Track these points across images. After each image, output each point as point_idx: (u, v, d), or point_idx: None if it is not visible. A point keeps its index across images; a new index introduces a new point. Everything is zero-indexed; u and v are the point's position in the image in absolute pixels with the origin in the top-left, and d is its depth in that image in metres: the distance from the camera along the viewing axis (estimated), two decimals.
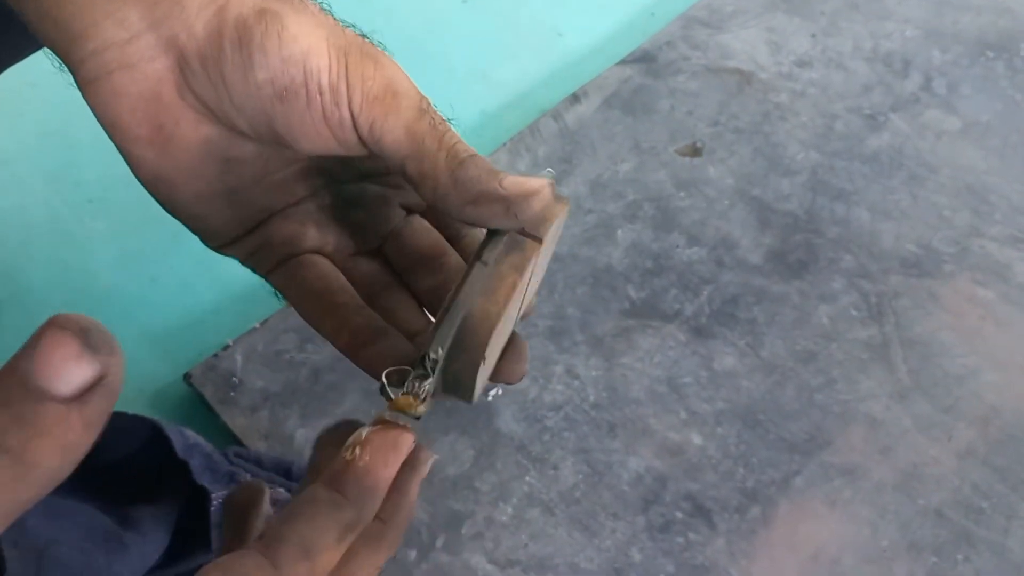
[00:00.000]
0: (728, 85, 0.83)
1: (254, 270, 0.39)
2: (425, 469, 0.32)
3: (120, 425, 0.53)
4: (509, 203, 0.34)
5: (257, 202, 0.38)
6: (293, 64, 0.33)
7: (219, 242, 0.39)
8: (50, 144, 0.80)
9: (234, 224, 0.38)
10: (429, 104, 0.35)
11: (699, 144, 0.79)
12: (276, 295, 0.40)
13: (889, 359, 0.67)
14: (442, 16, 0.91)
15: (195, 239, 0.76)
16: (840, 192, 0.76)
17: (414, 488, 0.31)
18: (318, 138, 0.34)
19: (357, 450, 0.29)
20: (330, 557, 0.28)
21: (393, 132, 0.33)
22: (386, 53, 0.35)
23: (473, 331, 0.33)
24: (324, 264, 0.39)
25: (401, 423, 0.31)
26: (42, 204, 0.76)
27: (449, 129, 0.34)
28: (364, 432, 0.30)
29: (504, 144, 0.78)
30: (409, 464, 0.31)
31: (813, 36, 0.87)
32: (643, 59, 0.85)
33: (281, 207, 0.38)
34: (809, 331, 0.69)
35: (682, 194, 0.76)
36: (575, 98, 0.82)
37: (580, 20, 0.91)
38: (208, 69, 0.33)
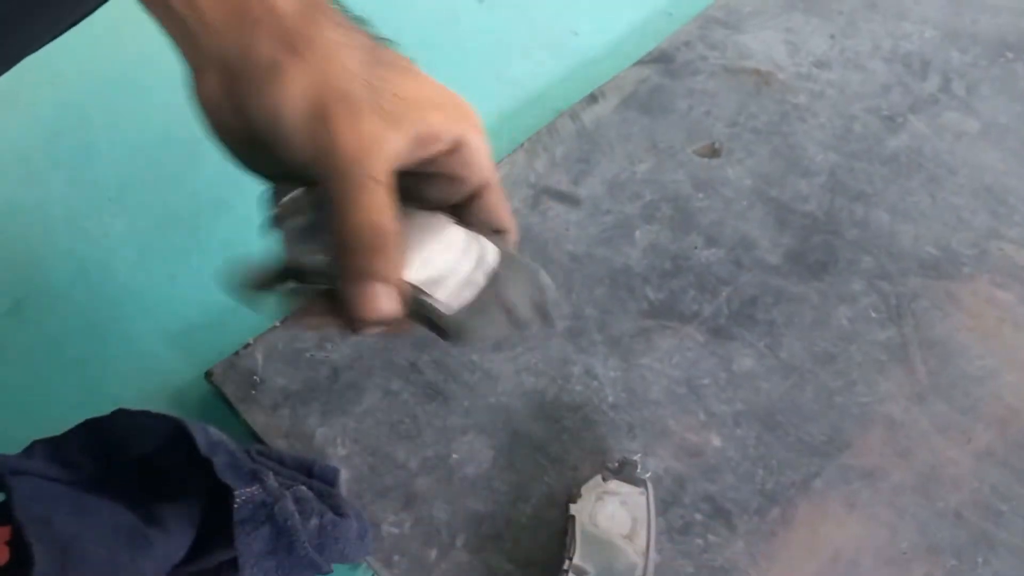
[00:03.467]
0: (746, 85, 0.83)
1: None
2: None
3: (144, 423, 0.53)
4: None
5: None
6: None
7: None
8: (69, 142, 0.80)
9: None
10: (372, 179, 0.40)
11: (717, 145, 0.79)
12: None
13: (908, 361, 0.67)
14: (458, 16, 0.91)
15: (214, 238, 0.77)
16: (859, 193, 0.76)
17: None
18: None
19: None
20: None
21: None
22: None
23: None
24: None
25: None
26: (61, 202, 0.77)
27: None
28: None
29: (522, 145, 0.79)
30: None
31: (831, 37, 0.87)
32: (660, 59, 0.85)
33: None
34: (828, 332, 0.68)
35: (700, 195, 0.76)
36: (592, 98, 0.82)
37: (596, 20, 0.91)
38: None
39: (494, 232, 0.46)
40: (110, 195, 0.77)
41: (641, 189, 0.76)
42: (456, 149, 0.43)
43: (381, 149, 0.39)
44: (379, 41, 0.42)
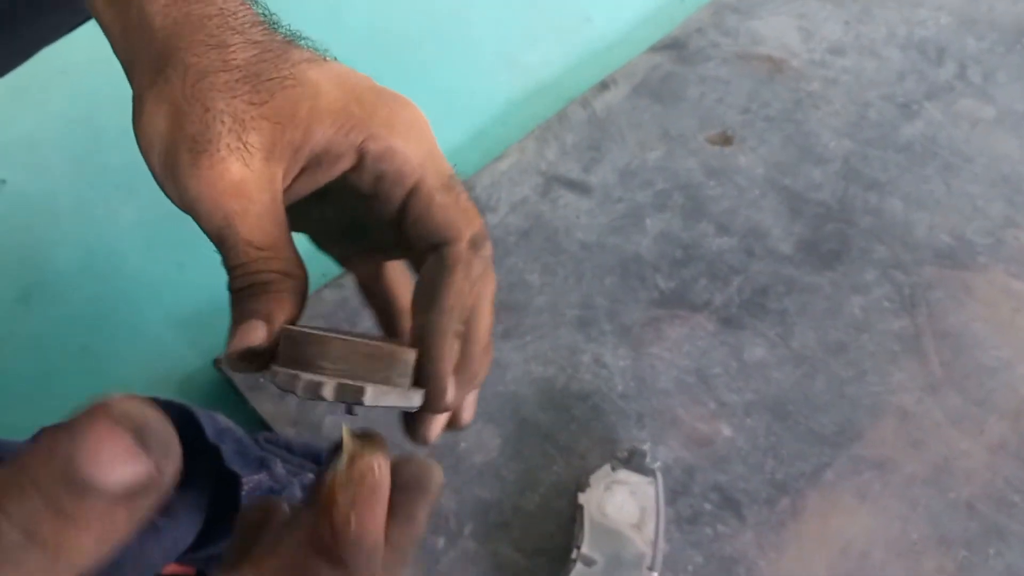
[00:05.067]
0: (759, 72, 0.82)
1: None
2: (435, 492, 0.29)
3: None
4: None
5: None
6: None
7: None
8: (78, 130, 0.80)
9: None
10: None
11: (729, 132, 0.78)
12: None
13: (921, 351, 0.67)
14: (469, 1, 0.91)
15: None
16: (873, 181, 0.75)
17: (422, 514, 0.29)
18: None
19: (345, 511, 0.26)
20: None
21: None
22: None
23: None
24: None
25: (369, 453, 0.28)
26: (70, 189, 0.77)
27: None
28: (337, 478, 0.27)
29: (532, 132, 0.78)
30: (417, 487, 0.28)
31: (846, 23, 0.85)
32: (673, 46, 0.84)
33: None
34: (840, 322, 0.68)
35: (712, 183, 0.75)
36: (604, 85, 0.81)
37: (609, 6, 0.90)
38: None
39: (435, 249, 0.35)
40: (118, 183, 0.77)
41: (652, 177, 0.75)
42: (360, 161, 0.34)
43: (251, 203, 0.33)
44: (271, 43, 0.35)
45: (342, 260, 0.41)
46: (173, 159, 0.33)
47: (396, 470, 0.29)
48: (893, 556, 0.59)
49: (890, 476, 0.61)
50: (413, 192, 0.35)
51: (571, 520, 0.59)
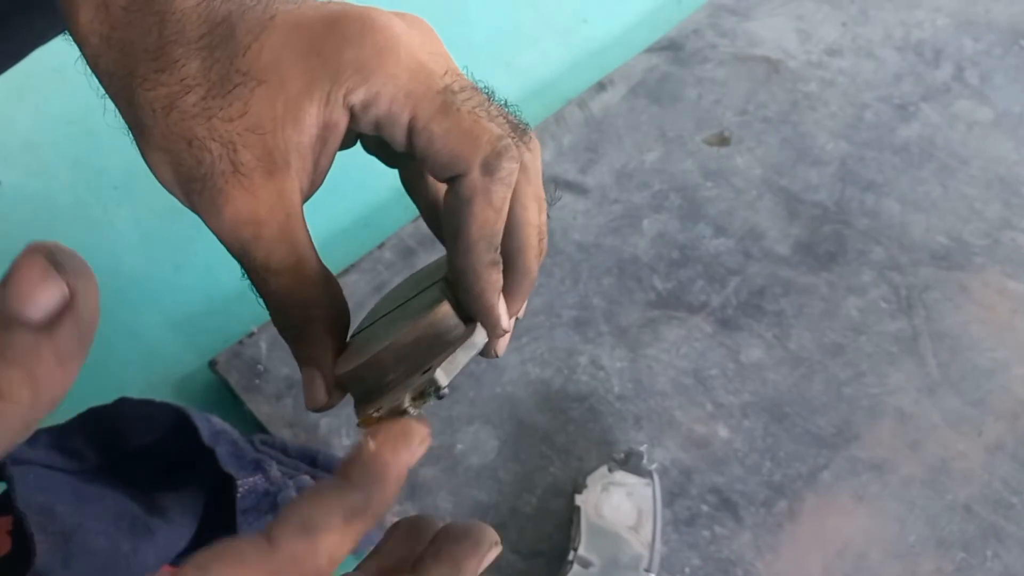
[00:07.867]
0: (756, 74, 0.82)
1: None
2: (485, 547, 0.30)
3: (146, 412, 0.53)
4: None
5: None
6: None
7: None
8: (75, 131, 0.80)
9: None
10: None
11: (726, 133, 0.78)
12: None
13: (918, 352, 0.67)
14: (465, 2, 0.91)
15: None
16: (870, 183, 0.75)
17: (469, 564, 0.30)
18: None
19: (368, 440, 0.29)
20: (335, 539, 0.26)
21: None
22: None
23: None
24: None
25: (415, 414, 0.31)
26: (67, 190, 0.77)
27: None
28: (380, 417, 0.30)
29: None
30: (465, 537, 0.30)
31: (843, 24, 0.86)
32: (670, 47, 0.84)
33: None
34: (837, 323, 0.68)
35: (709, 184, 0.75)
36: (601, 86, 0.81)
37: (605, 7, 0.90)
38: None
39: (451, 182, 0.34)
40: (115, 184, 0.77)
41: (649, 178, 0.75)
42: (352, 115, 0.33)
43: (261, 226, 0.33)
44: (213, 35, 0.32)
45: (386, 162, 0.41)
46: (192, 204, 0.34)
47: (450, 526, 0.30)
48: (890, 558, 0.59)
49: (887, 477, 0.61)
50: (411, 130, 0.34)
51: (568, 522, 0.59)
